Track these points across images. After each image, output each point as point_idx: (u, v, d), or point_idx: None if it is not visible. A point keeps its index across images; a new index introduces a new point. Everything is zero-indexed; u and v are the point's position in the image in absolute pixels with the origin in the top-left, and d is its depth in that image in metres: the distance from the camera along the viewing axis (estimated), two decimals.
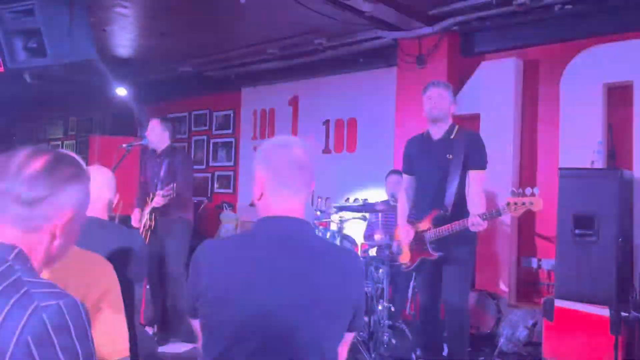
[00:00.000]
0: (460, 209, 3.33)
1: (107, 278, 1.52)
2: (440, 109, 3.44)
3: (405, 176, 3.74)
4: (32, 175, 1.10)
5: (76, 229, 1.20)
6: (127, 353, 1.46)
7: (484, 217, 3.14)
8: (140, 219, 4.67)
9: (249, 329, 1.36)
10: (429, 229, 3.40)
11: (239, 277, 1.39)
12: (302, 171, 1.48)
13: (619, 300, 3.58)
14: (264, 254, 1.42)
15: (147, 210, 4.56)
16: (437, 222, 3.37)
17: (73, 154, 1.22)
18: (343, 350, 1.55)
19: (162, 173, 4.62)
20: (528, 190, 3.04)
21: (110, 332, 1.45)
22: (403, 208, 3.67)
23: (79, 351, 1.00)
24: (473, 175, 3.37)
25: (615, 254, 3.66)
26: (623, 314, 3.50)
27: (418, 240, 3.49)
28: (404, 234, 3.57)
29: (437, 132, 3.48)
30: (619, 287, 3.64)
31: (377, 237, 4.70)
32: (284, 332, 1.36)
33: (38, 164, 1.11)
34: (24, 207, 1.09)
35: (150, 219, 4.55)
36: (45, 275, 1.29)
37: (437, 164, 3.42)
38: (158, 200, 4.37)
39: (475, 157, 3.38)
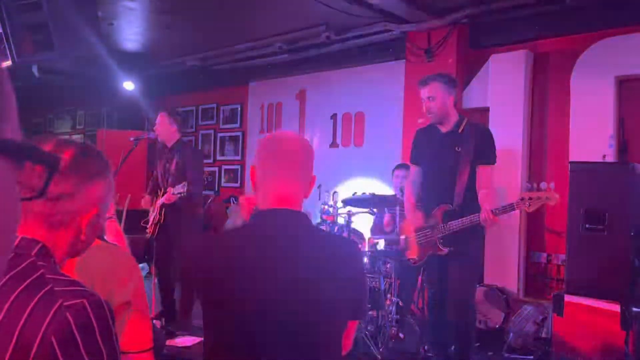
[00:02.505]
0: (469, 204, 3.30)
1: (136, 272, 1.53)
2: (435, 113, 3.39)
3: (412, 167, 3.70)
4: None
5: (100, 224, 1.18)
6: (152, 344, 1.48)
7: (497, 212, 3.11)
8: (151, 211, 4.68)
9: (248, 322, 1.36)
10: (438, 223, 3.37)
11: (235, 271, 1.40)
12: (290, 162, 1.48)
13: (629, 295, 3.55)
14: (259, 247, 1.42)
15: (158, 204, 4.57)
16: (447, 217, 3.34)
17: (96, 147, 1.21)
18: (348, 340, 1.55)
19: (172, 168, 4.62)
20: (543, 185, 2.99)
21: (139, 325, 1.46)
22: (410, 200, 3.63)
23: (104, 351, 0.97)
24: (483, 170, 3.33)
25: (627, 248, 3.63)
26: (634, 309, 3.47)
27: (427, 236, 3.47)
28: (415, 220, 3.52)
29: (444, 127, 3.45)
30: (630, 282, 3.61)
31: (386, 222, 4.72)
32: (284, 324, 1.36)
33: (64, 158, 1.08)
34: (49, 203, 1.06)
35: (160, 214, 4.56)
36: (75, 271, 1.29)
37: (446, 157, 3.39)
38: (169, 197, 4.38)
39: (485, 152, 3.34)
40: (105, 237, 2.00)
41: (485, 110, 5.10)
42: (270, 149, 1.50)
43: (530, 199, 3.02)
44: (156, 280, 4.79)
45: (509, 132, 4.83)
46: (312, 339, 1.39)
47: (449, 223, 3.31)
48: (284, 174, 1.47)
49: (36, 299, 0.95)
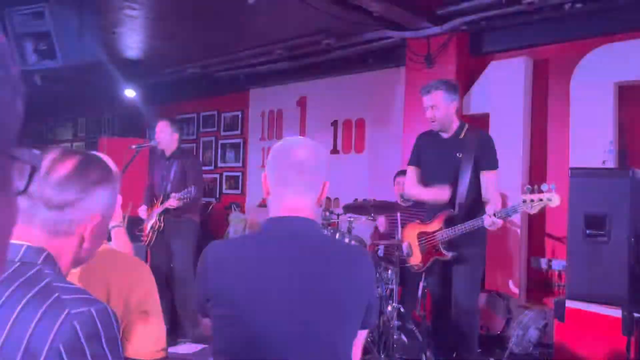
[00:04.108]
0: (471, 209, 3.31)
1: (148, 280, 1.54)
2: (439, 122, 3.40)
3: (412, 168, 3.65)
4: (61, 178, 1.09)
5: (104, 231, 1.20)
6: (165, 353, 1.48)
7: (499, 215, 3.12)
8: (148, 219, 4.69)
9: (260, 329, 1.35)
10: (441, 229, 3.38)
11: (247, 278, 1.39)
12: (302, 173, 1.46)
13: (631, 300, 3.55)
14: (271, 254, 1.41)
15: (157, 211, 4.57)
16: (449, 222, 3.36)
17: (101, 155, 1.22)
18: (357, 349, 1.54)
19: (172, 175, 4.64)
20: (544, 186, 3.00)
21: (152, 333, 1.47)
22: (426, 189, 3.51)
23: (110, 359, 0.99)
24: (486, 176, 3.34)
25: (627, 254, 3.62)
26: (635, 314, 3.47)
27: (429, 241, 3.48)
28: (440, 191, 3.39)
29: (446, 133, 3.47)
30: (631, 287, 3.60)
31: (380, 222, 4.74)
32: (296, 332, 1.36)
33: (67, 166, 1.10)
34: (53, 211, 1.08)
35: (159, 220, 4.57)
36: (90, 278, 1.31)
37: (447, 163, 3.40)
38: (173, 203, 4.39)
39: (487, 158, 3.36)
40: (112, 246, 2.00)
41: (486, 116, 5.12)
42: (282, 157, 1.49)
43: (532, 201, 3.02)
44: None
45: (509, 138, 4.84)
46: (325, 348, 1.39)
47: (452, 228, 3.32)
48: (295, 183, 1.46)
49: (44, 307, 0.96)
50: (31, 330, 0.94)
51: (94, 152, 1.21)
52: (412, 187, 3.65)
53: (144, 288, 1.50)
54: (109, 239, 2.05)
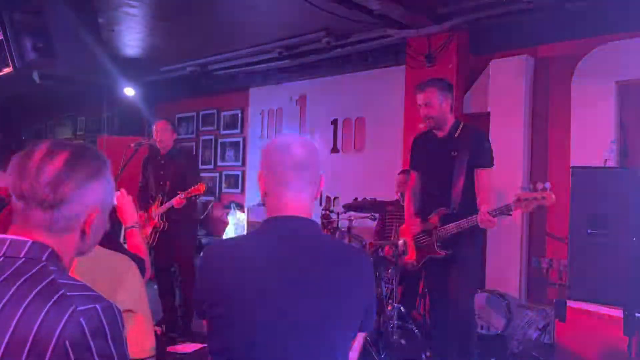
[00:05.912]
0: (467, 207, 3.30)
1: (134, 278, 1.53)
2: (433, 119, 3.40)
3: (412, 173, 3.73)
4: (53, 176, 1.06)
5: (103, 223, 1.18)
6: (152, 352, 1.47)
7: (493, 213, 3.11)
8: (147, 219, 4.66)
9: (258, 330, 1.34)
10: (436, 227, 3.38)
11: (245, 279, 1.38)
12: (300, 170, 1.45)
13: (633, 300, 3.53)
14: (269, 254, 1.40)
15: (159, 211, 4.55)
16: (445, 220, 3.35)
17: (91, 147, 1.19)
18: (355, 352, 1.53)
19: (171, 174, 4.62)
20: (539, 185, 2.99)
21: (140, 332, 1.46)
22: (409, 204, 3.66)
23: (115, 356, 1.00)
24: (481, 173, 3.34)
25: (629, 254, 3.61)
26: (637, 314, 3.45)
27: (425, 239, 3.47)
28: (411, 226, 3.54)
29: (440, 132, 3.46)
30: (633, 287, 3.59)
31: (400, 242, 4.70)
32: (294, 333, 1.34)
33: (58, 162, 1.07)
34: (49, 211, 1.07)
35: (163, 220, 4.55)
36: (78, 276, 1.30)
37: (442, 162, 3.40)
38: (180, 201, 4.38)
39: (482, 155, 3.35)
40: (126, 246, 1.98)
41: (486, 115, 5.10)
42: (276, 156, 1.47)
43: (526, 199, 3.01)
44: (156, 287, 4.77)
45: (510, 137, 4.82)
46: (323, 349, 1.37)
47: (446, 226, 3.31)
48: (295, 181, 1.45)
49: (50, 303, 0.98)
50: (37, 327, 0.95)
51: (84, 143, 1.18)
52: (407, 195, 3.72)
53: (130, 286, 1.49)
54: (123, 240, 2.03)
